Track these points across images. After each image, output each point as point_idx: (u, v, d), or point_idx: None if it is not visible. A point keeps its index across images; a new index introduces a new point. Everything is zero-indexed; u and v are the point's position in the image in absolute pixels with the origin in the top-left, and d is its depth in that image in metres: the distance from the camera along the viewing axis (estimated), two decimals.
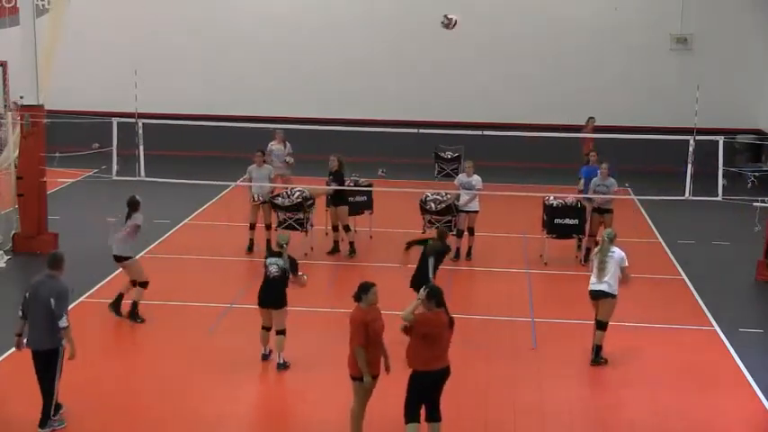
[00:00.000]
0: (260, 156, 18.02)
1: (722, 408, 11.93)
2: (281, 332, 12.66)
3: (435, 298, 10.13)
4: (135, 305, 14.31)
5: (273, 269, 12.61)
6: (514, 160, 25.00)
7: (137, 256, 14.92)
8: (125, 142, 17.14)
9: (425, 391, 10.16)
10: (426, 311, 10.11)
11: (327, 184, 17.97)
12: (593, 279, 12.87)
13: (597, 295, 12.81)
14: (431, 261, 13.49)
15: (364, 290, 10.40)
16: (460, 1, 26.90)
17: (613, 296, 12.77)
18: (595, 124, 23.49)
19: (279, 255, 12.73)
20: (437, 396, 10.21)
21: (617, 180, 17.80)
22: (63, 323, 10.45)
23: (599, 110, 26.05)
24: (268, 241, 17.57)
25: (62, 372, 10.65)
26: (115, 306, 14.33)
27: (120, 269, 14.74)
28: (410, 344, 10.15)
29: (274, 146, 19.73)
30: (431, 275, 13.35)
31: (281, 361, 12.71)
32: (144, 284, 14.34)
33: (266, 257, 12.86)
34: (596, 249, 13.24)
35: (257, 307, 12.78)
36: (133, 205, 14.35)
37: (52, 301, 10.42)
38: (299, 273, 12.79)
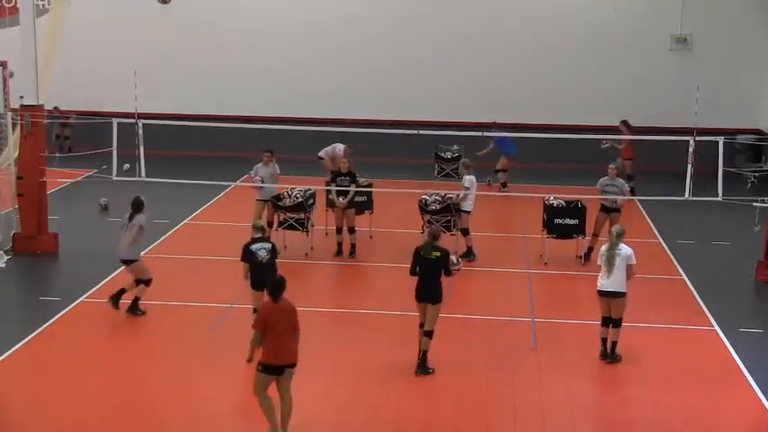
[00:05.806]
0: (268, 155, 17.90)
1: (722, 407, 11.93)
2: None
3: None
4: (136, 300, 14.45)
5: (263, 253, 12.94)
6: (514, 160, 24.91)
7: (141, 255, 14.91)
8: (125, 142, 17.16)
9: None
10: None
11: (328, 184, 17.98)
12: (602, 277, 12.90)
13: (609, 295, 12.89)
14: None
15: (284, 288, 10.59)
16: (464, 1, 27.03)
17: (624, 294, 12.89)
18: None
19: (263, 239, 13.14)
20: None
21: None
22: None
23: (599, 110, 26.08)
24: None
25: None
26: (114, 299, 14.42)
27: (124, 268, 14.79)
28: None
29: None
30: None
31: None
32: (148, 282, 14.46)
33: (250, 245, 13.06)
34: (604, 247, 13.13)
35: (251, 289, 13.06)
36: (137, 206, 14.40)
37: None
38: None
